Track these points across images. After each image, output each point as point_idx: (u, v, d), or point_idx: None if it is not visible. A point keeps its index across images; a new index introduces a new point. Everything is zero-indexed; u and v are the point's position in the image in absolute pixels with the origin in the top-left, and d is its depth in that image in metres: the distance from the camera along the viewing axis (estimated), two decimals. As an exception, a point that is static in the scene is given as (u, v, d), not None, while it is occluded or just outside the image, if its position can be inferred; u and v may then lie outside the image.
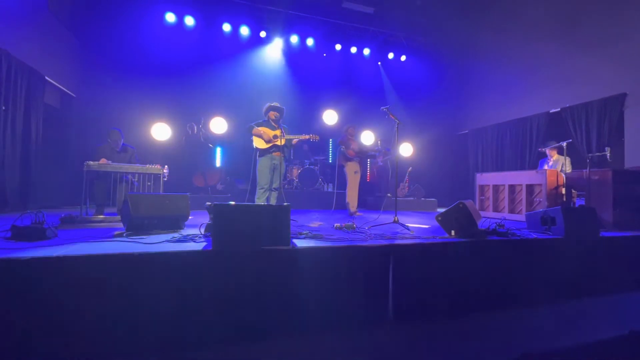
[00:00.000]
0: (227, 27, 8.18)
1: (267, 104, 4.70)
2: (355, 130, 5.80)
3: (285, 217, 2.39)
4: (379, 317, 2.45)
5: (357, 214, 5.52)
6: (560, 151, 5.30)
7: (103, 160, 4.18)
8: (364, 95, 9.27)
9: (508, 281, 2.89)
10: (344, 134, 5.67)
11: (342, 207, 5.79)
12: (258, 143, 4.54)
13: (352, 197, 5.50)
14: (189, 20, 7.89)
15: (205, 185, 7.24)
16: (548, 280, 3.03)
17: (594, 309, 2.97)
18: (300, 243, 2.51)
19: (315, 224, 4.03)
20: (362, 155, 5.66)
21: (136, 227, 2.86)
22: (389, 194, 7.58)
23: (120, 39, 7.34)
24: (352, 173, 5.56)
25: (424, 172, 8.95)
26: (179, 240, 2.55)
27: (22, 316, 1.77)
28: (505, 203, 5.50)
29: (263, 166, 4.54)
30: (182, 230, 3.10)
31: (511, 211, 5.38)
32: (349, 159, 5.54)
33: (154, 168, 4.24)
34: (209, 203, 2.83)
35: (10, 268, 1.79)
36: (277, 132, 4.53)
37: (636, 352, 1.78)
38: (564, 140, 5.06)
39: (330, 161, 9.00)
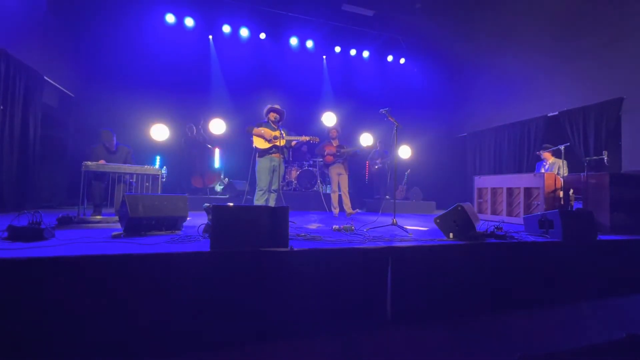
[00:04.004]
0: (227, 29, 8.20)
1: (268, 106, 4.71)
2: (338, 132, 5.87)
3: (284, 218, 2.39)
4: (377, 319, 2.45)
5: (352, 212, 5.56)
6: (557, 154, 5.33)
7: (101, 161, 4.17)
8: (363, 97, 9.29)
9: (506, 284, 2.90)
10: (326, 138, 5.86)
11: (341, 209, 5.81)
12: (258, 143, 4.54)
13: (334, 199, 5.73)
14: (189, 22, 7.90)
15: (204, 187, 7.22)
16: (545, 284, 3.03)
17: (591, 312, 2.98)
18: (298, 245, 2.50)
19: (313, 226, 4.03)
20: (344, 156, 5.70)
21: (134, 228, 2.85)
22: (387, 196, 7.59)
23: (119, 39, 7.34)
24: (335, 176, 5.68)
25: (422, 175, 8.97)
26: (177, 241, 2.54)
27: (18, 317, 1.76)
28: (503, 206, 5.51)
29: (262, 167, 4.53)
30: (180, 231, 3.09)
31: (509, 214, 5.39)
32: (327, 165, 5.74)
33: (152, 169, 4.23)
34: (208, 204, 2.83)
35: (6, 269, 1.78)
36: (277, 133, 4.54)
37: (633, 356, 1.79)
38: (561, 144, 5.08)
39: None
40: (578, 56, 6.45)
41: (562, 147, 5.03)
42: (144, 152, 7.04)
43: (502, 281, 2.88)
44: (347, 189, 5.66)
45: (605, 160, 4.45)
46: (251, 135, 4.54)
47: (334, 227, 3.65)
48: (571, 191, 4.59)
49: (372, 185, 8.67)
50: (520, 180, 5.25)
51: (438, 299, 2.63)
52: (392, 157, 6.56)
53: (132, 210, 2.80)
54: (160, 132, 7.54)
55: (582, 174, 4.36)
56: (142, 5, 7.44)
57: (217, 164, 7.89)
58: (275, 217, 2.36)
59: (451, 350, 2.19)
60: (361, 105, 9.06)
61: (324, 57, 9.29)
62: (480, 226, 3.26)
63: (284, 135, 4.46)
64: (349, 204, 5.64)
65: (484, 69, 8.66)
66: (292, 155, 7.90)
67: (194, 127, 7.42)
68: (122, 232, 2.85)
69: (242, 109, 7.95)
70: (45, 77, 5.92)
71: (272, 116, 4.64)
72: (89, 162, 3.89)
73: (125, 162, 4.65)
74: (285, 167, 7.45)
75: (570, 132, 6.45)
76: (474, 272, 2.78)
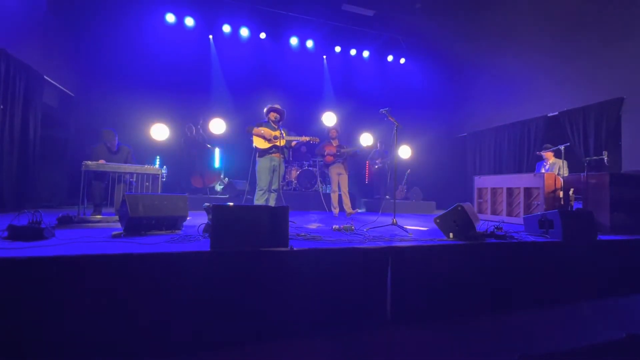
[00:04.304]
0: (227, 29, 8.21)
1: (268, 105, 4.71)
2: (338, 132, 5.89)
3: (284, 218, 2.39)
4: (377, 319, 2.45)
5: (352, 212, 5.56)
6: (557, 154, 5.33)
7: (101, 161, 4.16)
8: (363, 97, 9.30)
9: (506, 284, 2.90)
10: (325, 139, 5.87)
11: (341, 209, 5.81)
12: (258, 143, 4.54)
13: (333, 199, 5.75)
14: (189, 21, 7.90)
15: (204, 186, 7.22)
16: (545, 284, 3.03)
17: (591, 312, 2.98)
18: (298, 245, 2.50)
19: (313, 226, 4.03)
20: (344, 156, 5.71)
21: (134, 227, 2.85)
22: (387, 196, 7.59)
23: (119, 39, 7.34)
24: (335, 176, 5.69)
25: (422, 175, 8.97)
26: (177, 241, 2.54)
27: (18, 317, 1.76)
28: (503, 206, 5.51)
29: (262, 167, 4.53)
30: (180, 231, 3.09)
31: (509, 214, 5.39)
32: (327, 165, 5.76)
33: (152, 168, 4.23)
34: (208, 204, 2.83)
35: (6, 268, 1.78)
36: (277, 133, 4.54)
37: (633, 356, 1.79)
38: (561, 144, 5.08)
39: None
40: (578, 56, 6.44)
41: (562, 147, 5.03)
42: (144, 151, 7.04)
43: (502, 281, 2.88)
44: (347, 188, 5.67)
45: (605, 160, 4.45)
46: (251, 135, 4.54)
47: (334, 227, 3.65)
48: (571, 191, 4.58)
49: (372, 185, 8.67)
50: (520, 180, 5.25)
51: (438, 299, 2.64)
52: (392, 157, 6.56)
53: (132, 210, 2.80)
54: (160, 132, 7.54)
55: (582, 174, 4.36)
56: (142, 5, 7.44)
57: (217, 163, 7.89)
58: (275, 217, 2.36)
59: (451, 350, 2.19)
60: (361, 105, 9.06)
61: (324, 57, 9.30)
62: (480, 226, 3.26)
63: (284, 135, 4.46)
64: (349, 204, 5.64)
65: (484, 69, 8.65)
66: (292, 155, 7.91)
67: (193, 127, 7.42)
68: (122, 231, 2.85)
69: (242, 109, 7.95)
70: (45, 77, 5.92)
71: (273, 116, 4.64)
72: (89, 162, 3.88)
73: (126, 162, 4.64)
74: (285, 167, 7.44)
75: (570, 132, 6.45)
76: (474, 272, 2.78)
